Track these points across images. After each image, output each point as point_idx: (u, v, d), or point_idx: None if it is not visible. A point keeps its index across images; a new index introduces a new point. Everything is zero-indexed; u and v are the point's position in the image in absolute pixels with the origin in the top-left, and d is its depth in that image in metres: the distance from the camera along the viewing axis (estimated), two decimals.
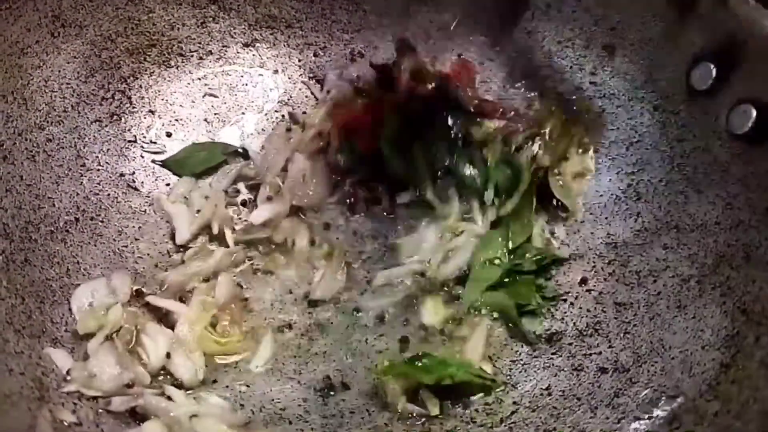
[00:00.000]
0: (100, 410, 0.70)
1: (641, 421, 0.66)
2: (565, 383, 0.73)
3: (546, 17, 0.90)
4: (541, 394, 0.73)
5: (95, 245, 0.82)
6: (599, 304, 0.78)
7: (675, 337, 0.71)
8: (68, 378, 0.71)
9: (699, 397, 0.65)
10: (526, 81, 0.92)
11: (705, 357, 0.67)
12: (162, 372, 0.75)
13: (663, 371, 0.69)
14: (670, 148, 0.80)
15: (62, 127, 0.84)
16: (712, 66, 0.73)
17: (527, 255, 0.83)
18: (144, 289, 0.80)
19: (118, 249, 0.83)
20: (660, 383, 0.68)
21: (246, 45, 0.95)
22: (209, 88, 0.94)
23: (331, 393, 0.76)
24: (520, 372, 0.76)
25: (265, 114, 0.95)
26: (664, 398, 0.67)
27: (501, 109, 0.89)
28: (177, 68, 0.93)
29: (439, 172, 0.87)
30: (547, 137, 0.86)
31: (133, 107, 0.90)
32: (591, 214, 0.84)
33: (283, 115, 0.95)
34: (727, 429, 0.60)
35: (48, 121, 0.83)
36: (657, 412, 0.66)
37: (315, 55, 0.96)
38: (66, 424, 0.68)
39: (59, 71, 0.85)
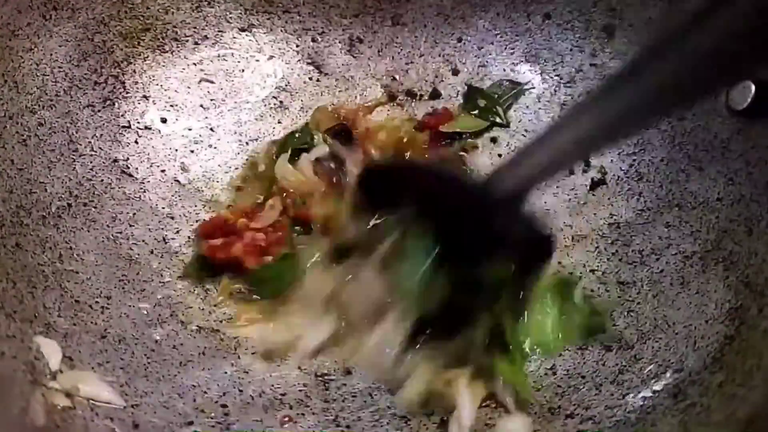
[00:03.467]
0: None
1: (646, 396, 0.70)
2: (570, 362, 0.76)
3: None
4: (546, 374, 0.76)
5: (88, 231, 0.84)
6: (603, 284, 0.82)
7: (679, 312, 0.74)
8: (56, 378, 0.73)
9: (704, 369, 0.68)
10: (526, 64, 0.97)
11: (709, 331, 0.71)
12: None
13: (667, 347, 0.73)
14: (671, 127, 0.84)
15: (54, 112, 0.87)
16: None
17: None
18: None
19: (112, 235, 0.85)
20: (664, 358, 0.72)
21: (242, 30, 0.98)
22: (205, 74, 0.97)
23: (332, 378, 0.79)
24: None
25: (263, 100, 0.98)
26: (668, 372, 0.70)
27: None
28: (172, 53, 0.96)
29: None
30: None
31: (127, 92, 0.93)
32: (593, 195, 0.88)
33: (281, 101, 0.98)
34: (732, 397, 0.63)
35: (40, 105, 0.86)
36: (661, 386, 0.70)
37: (313, 40, 0.99)
38: (59, 407, 0.70)
39: (51, 54, 0.87)
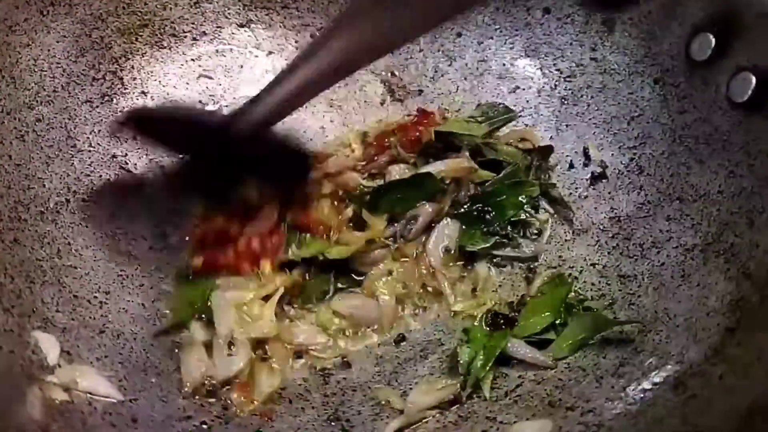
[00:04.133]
0: None
1: (647, 388, 0.70)
2: (570, 356, 0.77)
3: None
4: (546, 367, 0.77)
5: (87, 227, 0.85)
6: (603, 277, 0.82)
7: (680, 305, 0.74)
8: (54, 372, 0.73)
9: (705, 361, 0.68)
10: (525, 59, 0.97)
11: (710, 323, 0.71)
12: None
13: (668, 339, 0.73)
14: (672, 121, 0.84)
15: (52, 107, 0.87)
16: (711, 36, 0.78)
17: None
18: None
19: (111, 231, 0.86)
20: (665, 351, 0.72)
21: (241, 26, 0.99)
22: (204, 70, 0.97)
23: (332, 372, 0.79)
24: None
25: None
26: (669, 365, 0.70)
27: None
28: (170, 49, 0.96)
29: None
30: None
31: (125, 88, 0.93)
32: (594, 189, 0.88)
33: None
34: (733, 389, 0.64)
35: (37, 101, 0.86)
36: (662, 379, 0.70)
37: (312, 36, 0.99)
38: (57, 402, 0.71)
39: (49, 50, 0.88)
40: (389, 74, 0.99)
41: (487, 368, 0.76)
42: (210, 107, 0.96)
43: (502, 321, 0.81)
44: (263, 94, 0.77)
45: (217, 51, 0.98)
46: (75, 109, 0.89)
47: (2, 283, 0.75)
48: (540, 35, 0.96)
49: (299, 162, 0.88)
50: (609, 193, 0.87)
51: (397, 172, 0.91)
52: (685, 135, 0.82)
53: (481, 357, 0.76)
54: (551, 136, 0.93)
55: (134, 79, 0.94)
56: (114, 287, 0.82)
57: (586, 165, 0.90)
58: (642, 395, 0.70)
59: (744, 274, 0.71)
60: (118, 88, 0.93)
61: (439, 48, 0.99)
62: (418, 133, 0.93)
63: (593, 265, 0.84)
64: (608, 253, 0.84)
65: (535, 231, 0.88)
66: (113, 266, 0.83)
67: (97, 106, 0.91)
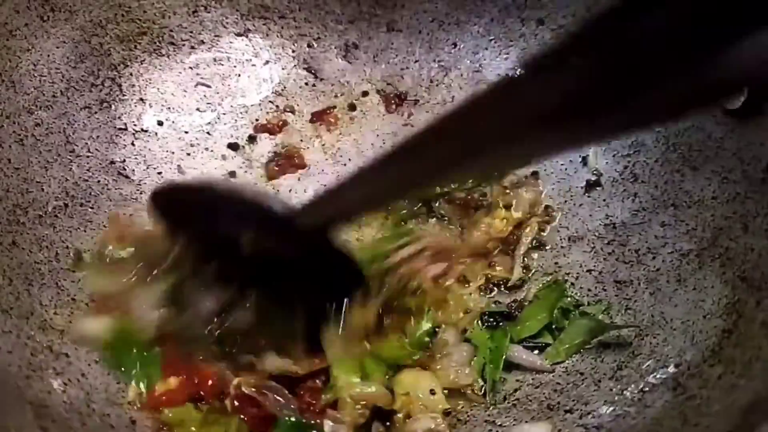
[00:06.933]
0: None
1: (645, 390, 0.70)
2: (568, 360, 0.77)
3: (539, 4, 0.95)
4: (543, 371, 0.77)
5: (85, 231, 0.84)
6: (600, 283, 0.82)
7: (676, 309, 0.75)
8: None
9: (703, 362, 0.68)
10: (521, 70, 0.97)
11: (707, 325, 0.71)
12: None
13: (665, 342, 0.73)
14: (665, 128, 0.85)
15: (51, 112, 0.87)
16: None
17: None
18: None
19: None
20: (662, 353, 0.72)
21: (239, 35, 0.99)
22: (201, 78, 0.97)
23: None
24: None
25: (259, 104, 0.98)
26: (667, 367, 0.70)
27: None
28: (168, 57, 0.96)
29: None
30: None
31: (124, 95, 0.93)
32: (589, 197, 0.89)
33: (277, 106, 0.99)
34: (732, 388, 0.64)
35: (37, 106, 0.86)
36: (661, 381, 0.70)
37: (309, 46, 1.00)
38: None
39: (48, 56, 0.88)
40: (385, 84, 1.00)
41: (500, 369, 0.76)
42: (207, 113, 0.97)
43: (495, 319, 0.81)
44: (329, 194, 0.64)
45: (214, 59, 0.98)
46: (74, 115, 0.89)
47: (0, 285, 0.75)
48: (534, 46, 0.96)
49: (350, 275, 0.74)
50: (604, 200, 0.88)
51: None
52: (679, 142, 0.83)
53: (490, 361, 0.77)
54: None
55: (132, 86, 0.94)
56: None
57: (581, 173, 0.91)
58: (640, 397, 0.70)
59: (740, 277, 0.71)
60: (117, 95, 0.93)
61: (434, 58, 0.99)
62: None
63: (589, 271, 0.84)
64: (604, 259, 0.84)
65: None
66: None
67: (96, 112, 0.91)
